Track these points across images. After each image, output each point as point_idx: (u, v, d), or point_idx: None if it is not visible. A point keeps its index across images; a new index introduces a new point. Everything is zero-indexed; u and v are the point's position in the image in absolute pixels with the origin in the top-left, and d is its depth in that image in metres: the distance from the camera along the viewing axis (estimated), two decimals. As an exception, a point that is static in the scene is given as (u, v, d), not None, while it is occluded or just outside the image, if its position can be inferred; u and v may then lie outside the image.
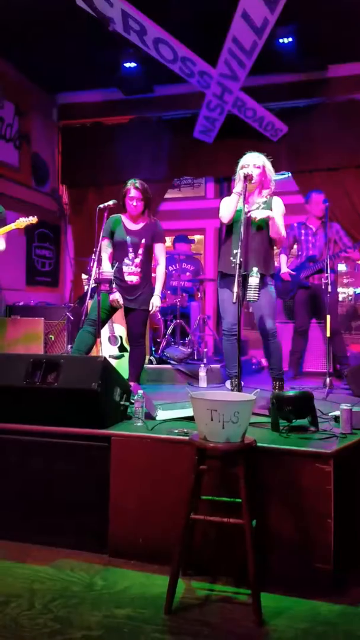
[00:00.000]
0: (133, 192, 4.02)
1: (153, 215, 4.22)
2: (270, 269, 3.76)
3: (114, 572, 2.61)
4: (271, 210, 3.68)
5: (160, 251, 4.16)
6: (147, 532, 2.70)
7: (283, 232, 3.74)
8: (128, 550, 2.71)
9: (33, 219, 4.75)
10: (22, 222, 4.74)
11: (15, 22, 5.75)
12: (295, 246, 5.56)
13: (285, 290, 5.51)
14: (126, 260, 4.04)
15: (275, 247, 3.91)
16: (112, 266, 4.03)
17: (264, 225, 3.68)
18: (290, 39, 5.76)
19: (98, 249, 4.09)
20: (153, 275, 4.25)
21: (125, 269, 4.04)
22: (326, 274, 4.62)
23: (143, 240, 4.05)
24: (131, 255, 4.04)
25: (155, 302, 4.06)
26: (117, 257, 4.07)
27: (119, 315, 4.40)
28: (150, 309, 4.06)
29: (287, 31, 5.68)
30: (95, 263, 4.08)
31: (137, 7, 5.06)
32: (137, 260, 4.05)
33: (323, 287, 4.66)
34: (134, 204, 4.01)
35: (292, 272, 5.39)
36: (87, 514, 2.83)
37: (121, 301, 4.04)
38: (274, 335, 3.74)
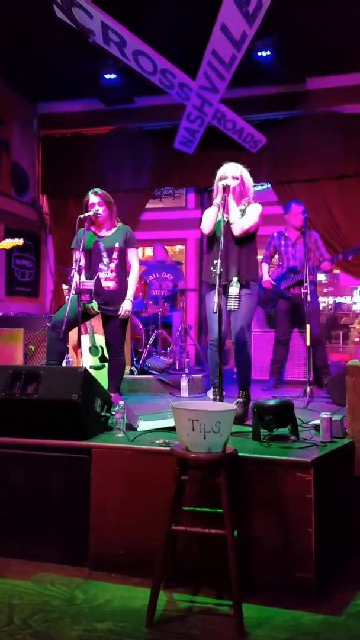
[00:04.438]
0: (93, 199, 4.02)
1: (122, 222, 4.21)
2: (252, 275, 3.73)
3: (94, 585, 2.58)
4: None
5: (132, 256, 4.14)
6: (128, 544, 2.68)
7: (246, 226, 3.59)
8: (109, 563, 2.68)
9: (19, 241, 4.71)
10: (8, 243, 4.70)
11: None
12: (276, 256, 5.59)
13: (267, 300, 5.54)
14: (101, 266, 4.01)
15: (257, 254, 3.91)
16: (85, 278, 4.00)
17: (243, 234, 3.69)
18: (268, 52, 5.84)
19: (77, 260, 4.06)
20: None
21: (101, 275, 4.01)
22: (306, 284, 4.66)
23: (116, 244, 4.03)
24: (106, 260, 4.02)
25: (125, 306, 4.01)
26: (92, 265, 4.05)
27: (101, 325, 4.38)
28: (120, 312, 4.02)
29: (265, 44, 5.75)
30: (76, 273, 4.05)
31: (116, 19, 5.09)
32: (112, 265, 4.02)
33: (303, 296, 4.70)
34: (96, 209, 4.00)
35: (273, 282, 5.42)
36: (67, 526, 2.80)
37: (96, 307, 4.01)
38: (248, 345, 3.72)
